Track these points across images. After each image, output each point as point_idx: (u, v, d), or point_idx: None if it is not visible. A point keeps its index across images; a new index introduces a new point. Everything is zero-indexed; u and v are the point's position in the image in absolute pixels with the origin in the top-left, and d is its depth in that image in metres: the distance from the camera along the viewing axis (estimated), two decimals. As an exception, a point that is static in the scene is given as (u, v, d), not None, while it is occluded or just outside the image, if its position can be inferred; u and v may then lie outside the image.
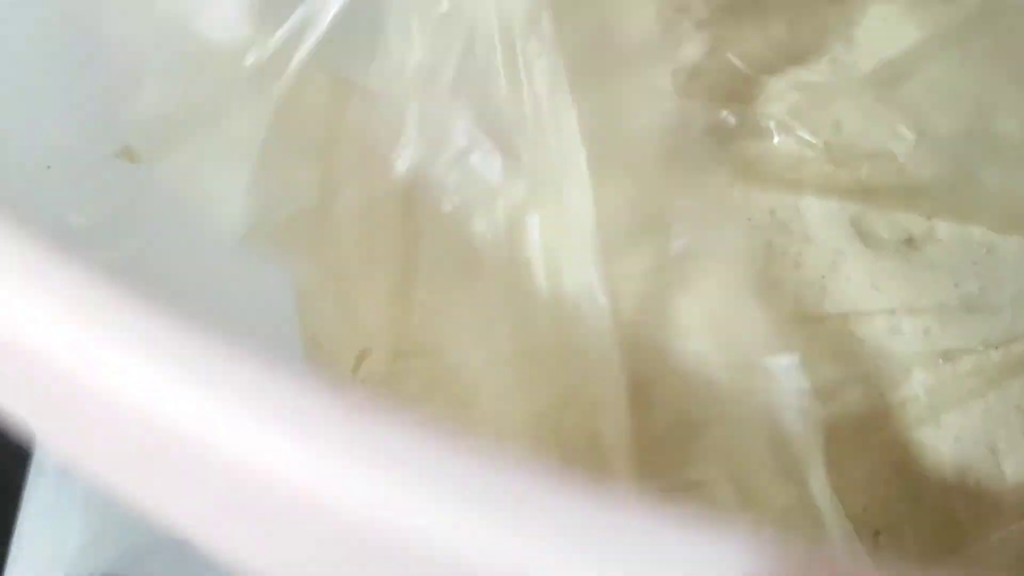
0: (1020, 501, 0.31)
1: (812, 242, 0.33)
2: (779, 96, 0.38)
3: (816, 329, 0.32)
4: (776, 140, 0.35)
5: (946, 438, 0.31)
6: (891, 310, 0.32)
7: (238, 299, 0.37)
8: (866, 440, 0.31)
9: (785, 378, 0.30)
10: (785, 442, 0.30)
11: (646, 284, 0.32)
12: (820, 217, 0.33)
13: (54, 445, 0.16)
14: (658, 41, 0.34)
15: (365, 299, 0.35)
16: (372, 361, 0.34)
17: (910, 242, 0.33)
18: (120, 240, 0.36)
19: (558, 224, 0.33)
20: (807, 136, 0.35)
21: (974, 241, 0.34)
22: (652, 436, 0.31)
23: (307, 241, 0.38)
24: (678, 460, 0.30)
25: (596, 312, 0.32)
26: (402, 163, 0.37)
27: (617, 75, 0.34)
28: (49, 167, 0.35)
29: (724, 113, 0.35)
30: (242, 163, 0.40)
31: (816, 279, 0.32)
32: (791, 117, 0.36)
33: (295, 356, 0.37)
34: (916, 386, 0.31)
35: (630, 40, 0.34)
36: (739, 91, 0.37)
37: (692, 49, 0.38)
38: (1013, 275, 0.33)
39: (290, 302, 0.38)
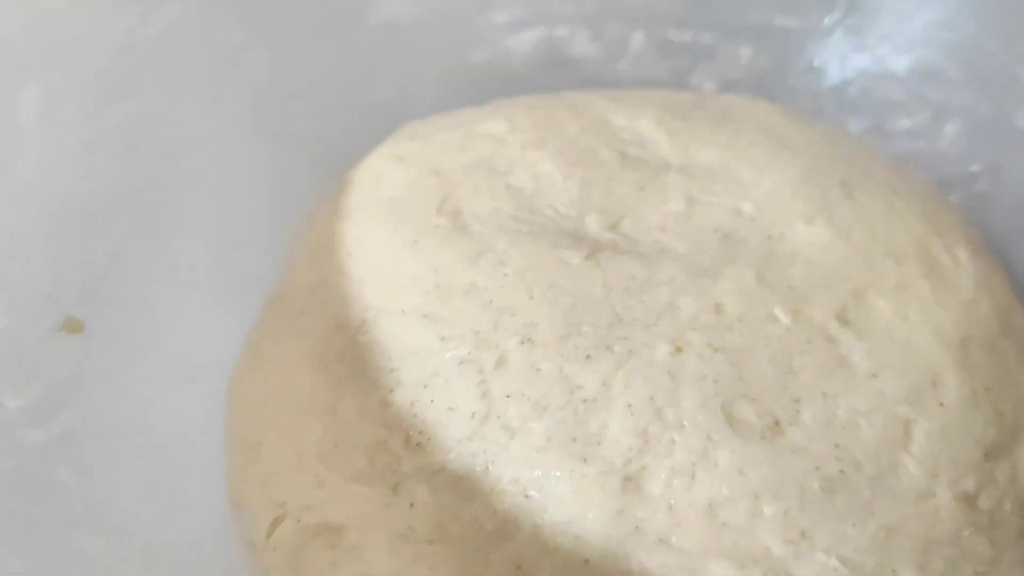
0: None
1: (685, 429, 0.35)
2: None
3: (685, 514, 0.34)
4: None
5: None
6: (755, 495, 0.34)
7: (175, 459, 0.40)
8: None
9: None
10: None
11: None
12: (695, 403, 0.35)
13: None
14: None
15: (281, 468, 0.37)
16: (284, 529, 0.36)
17: (776, 426, 0.36)
18: (59, 413, 0.38)
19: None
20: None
21: (838, 423, 0.36)
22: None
23: (240, 402, 0.41)
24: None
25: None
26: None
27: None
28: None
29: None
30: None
31: (687, 466, 0.35)
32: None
33: (220, 514, 0.40)
34: (775, 562, 0.34)
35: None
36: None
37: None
38: (873, 454, 0.36)
39: (220, 463, 0.41)
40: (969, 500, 0.36)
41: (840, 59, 0.55)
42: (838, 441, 0.36)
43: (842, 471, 0.35)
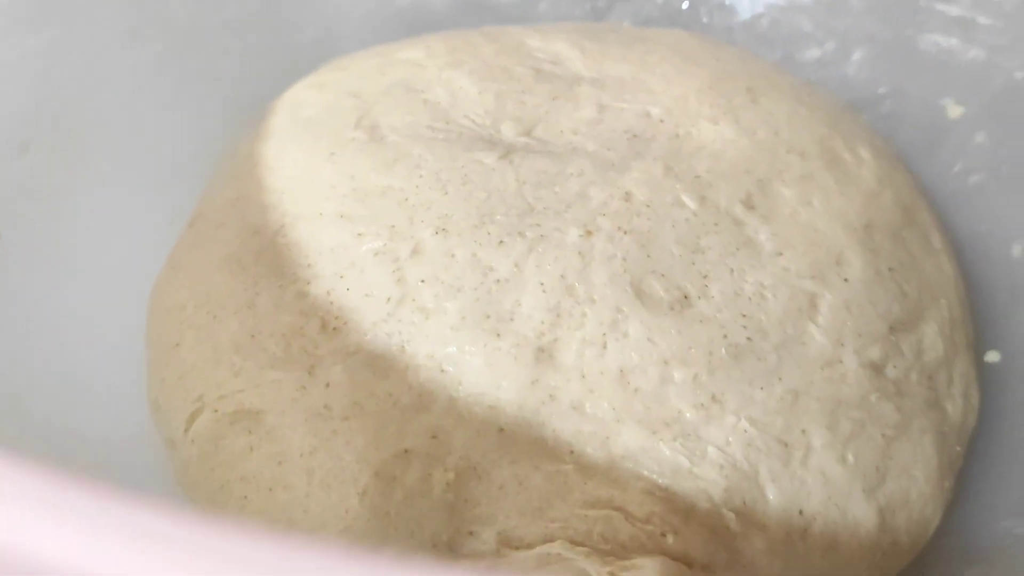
0: (782, 519, 0.34)
1: (596, 303, 0.35)
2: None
3: (597, 382, 0.34)
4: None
5: (714, 466, 0.34)
6: (664, 361, 0.35)
7: (99, 374, 0.39)
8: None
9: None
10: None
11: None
12: (604, 279, 0.36)
13: None
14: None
15: (198, 364, 0.37)
16: (202, 420, 0.36)
17: (684, 300, 0.36)
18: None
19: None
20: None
21: (744, 295, 0.36)
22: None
23: (159, 309, 0.40)
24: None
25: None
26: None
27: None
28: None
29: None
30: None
31: (598, 337, 0.35)
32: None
33: (143, 417, 0.39)
34: (686, 425, 0.34)
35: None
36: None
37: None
38: (779, 323, 0.36)
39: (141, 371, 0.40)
40: (876, 368, 0.37)
41: (750, -6, 0.56)
42: (744, 311, 0.36)
43: (749, 338, 0.36)
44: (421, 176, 0.39)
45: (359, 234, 0.38)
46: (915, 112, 0.52)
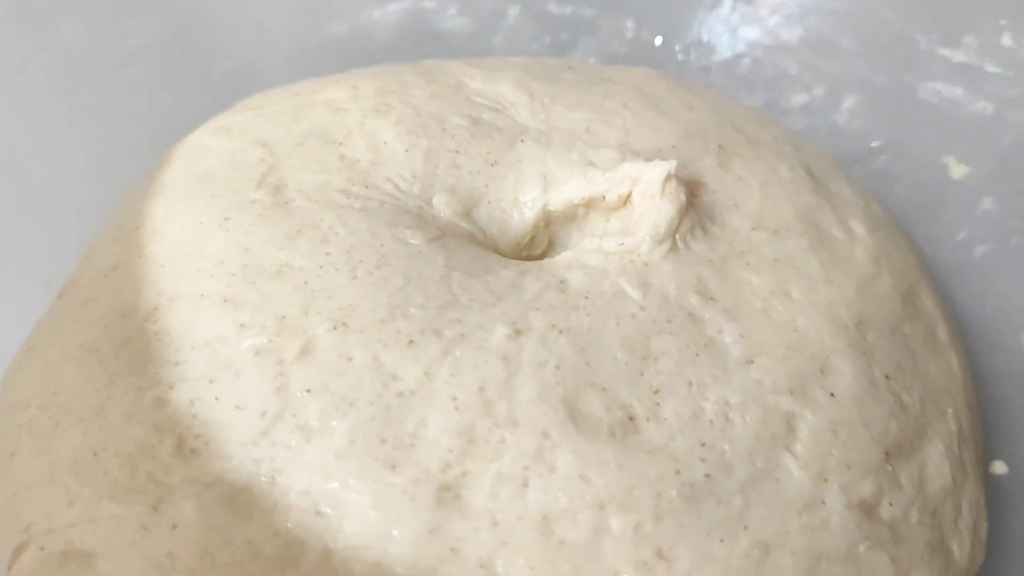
0: None
1: (519, 426, 0.27)
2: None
3: (513, 531, 0.26)
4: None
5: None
6: (599, 504, 0.27)
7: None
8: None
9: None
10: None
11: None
12: (532, 394, 0.28)
13: None
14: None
15: (32, 482, 0.29)
16: (26, 559, 0.28)
17: (630, 422, 0.28)
18: None
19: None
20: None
21: (704, 418, 0.28)
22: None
23: (4, 406, 0.32)
24: None
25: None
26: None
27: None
28: None
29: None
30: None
31: (518, 471, 0.27)
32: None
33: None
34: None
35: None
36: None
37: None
38: (747, 455, 0.28)
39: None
40: (867, 508, 0.29)
41: (730, 31, 0.48)
42: (705, 439, 0.28)
43: (708, 475, 0.27)
44: (328, 254, 0.31)
45: (241, 325, 0.30)
46: (913, 170, 0.44)
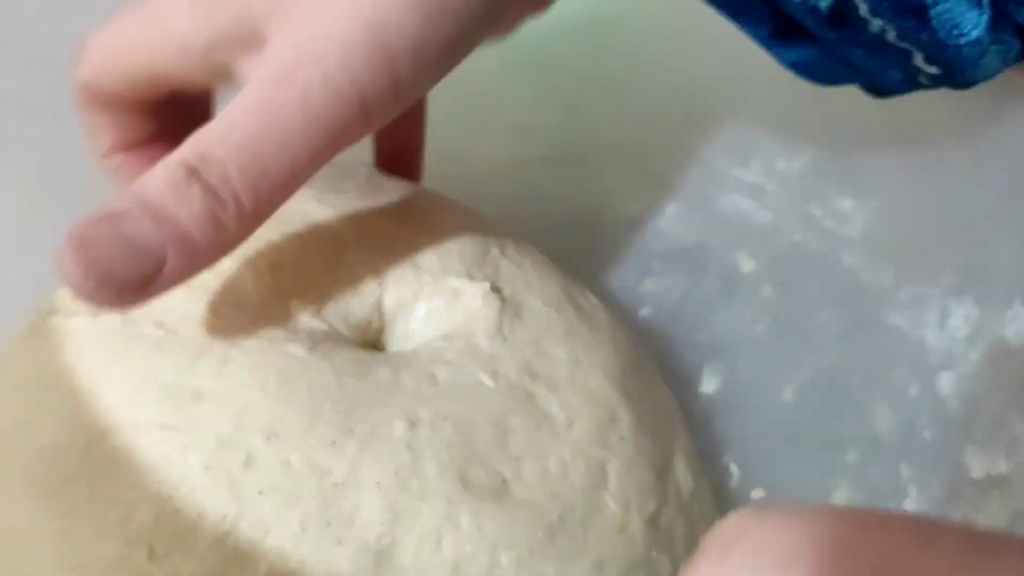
0: None
1: (429, 497, 0.35)
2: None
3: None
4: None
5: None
6: (493, 547, 0.35)
7: None
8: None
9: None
10: None
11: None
12: (435, 472, 0.36)
13: None
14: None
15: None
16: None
17: (504, 484, 0.37)
18: None
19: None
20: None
21: (552, 474, 0.38)
22: None
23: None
24: None
25: None
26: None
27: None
28: None
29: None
30: None
31: (434, 532, 0.35)
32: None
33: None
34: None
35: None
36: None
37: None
38: (583, 498, 0.38)
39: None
40: (653, 521, 0.40)
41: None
42: (554, 490, 0.38)
43: (561, 516, 0.37)
44: (236, 374, 0.36)
45: (184, 446, 0.34)
46: (715, 264, 0.58)
